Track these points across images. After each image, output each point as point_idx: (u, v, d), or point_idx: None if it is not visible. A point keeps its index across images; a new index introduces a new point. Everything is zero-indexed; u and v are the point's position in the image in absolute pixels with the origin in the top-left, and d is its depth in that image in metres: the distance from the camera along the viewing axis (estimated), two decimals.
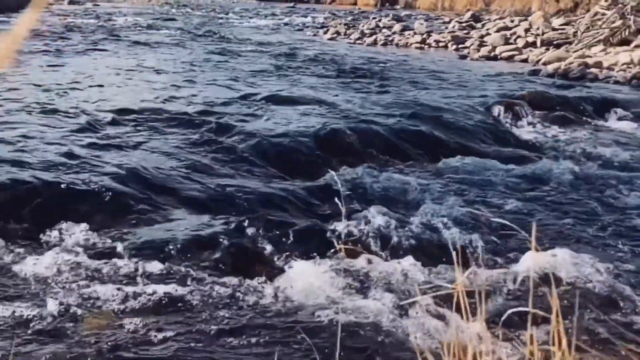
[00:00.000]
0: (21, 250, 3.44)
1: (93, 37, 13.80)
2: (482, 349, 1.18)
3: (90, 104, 6.81)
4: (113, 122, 5.98)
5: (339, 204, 1.77)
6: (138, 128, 5.90)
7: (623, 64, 11.02)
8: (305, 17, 24.00)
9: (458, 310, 1.23)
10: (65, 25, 16.08)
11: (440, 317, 2.23)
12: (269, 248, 3.50)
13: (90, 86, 7.95)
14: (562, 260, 3.27)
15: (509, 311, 1.42)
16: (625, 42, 12.48)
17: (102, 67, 9.65)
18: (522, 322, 2.11)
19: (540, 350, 1.23)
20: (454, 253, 1.31)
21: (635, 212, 4.32)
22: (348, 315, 2.77)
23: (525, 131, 7.00)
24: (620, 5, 13.56)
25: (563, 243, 3.66)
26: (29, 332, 2.67)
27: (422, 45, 15.17)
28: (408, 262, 3.29)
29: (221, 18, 21.99)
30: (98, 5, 25.26)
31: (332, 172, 3.97)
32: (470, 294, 1.27)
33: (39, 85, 7.70)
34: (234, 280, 3.15)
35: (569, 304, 2.63)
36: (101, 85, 8.04)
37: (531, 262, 2.37)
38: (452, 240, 3.55)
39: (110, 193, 4.11)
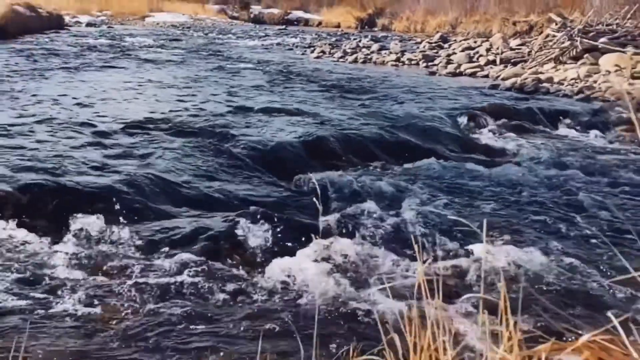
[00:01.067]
0: (43, 242, 3.45)
1: (107, 56, 13.72)
2: (438, 323, 1.19)
3: (103, 115, 6.79)
4: (124, 131, 5.98)
5: (317, 202, 1.77)
6: (146, 136, 5.90)
7: (571, 79, 11.11)
8: (295, 37, 23.95)
9: (419, 294, 1.25)
10: (83, 45, 15.97)
11: (404, 300, 2.25)
12: (260, 240, 3.52)
13: (104, 99, 7.92)
14: (510, 251, 3.30)
15: (465, 296, 1.45)
16: (573, 60, 12.58)
17: (114, 82, 9.61)
18: (475, 306, 2.16)
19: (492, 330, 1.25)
20: (416, 246, 1.33)
21: (576, 208, 4.36)
22: (325, 298, 2.80)
23: (485, 138, 7.04)
24: (568, 29, 13.64)
25: (513, 235, 3.69)
26: (46, 314, 2.66)
27: (397, 63, 15.19)
28: (377, 252, 3.31)
29: (221, 39, 21.91)
30: (112, 27, 25.11)
31: (312, 175, 3.98)
32: (430, 281, 1.29)
33: (58, 99, 7.66)
34: (228, 268, 3.17)
35: (516, 289, 2.65)
36: (114, 99, 8.02)
37: (483, 254, 2.39)
38: (415, 234, 3.57)
39: (121, 193, 4.12)
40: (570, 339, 1.16)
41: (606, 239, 3.67)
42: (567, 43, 13.04)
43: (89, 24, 25.36)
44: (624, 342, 1.07)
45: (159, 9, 34.61)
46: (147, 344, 2.46)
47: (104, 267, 3.18)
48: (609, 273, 3.22)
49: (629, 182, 5.10)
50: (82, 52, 14.07)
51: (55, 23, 21.72)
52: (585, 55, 12.45)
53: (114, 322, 2.63)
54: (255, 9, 40.03)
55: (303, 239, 3.47)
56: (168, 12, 34.07)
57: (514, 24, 20.00)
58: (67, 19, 24.73)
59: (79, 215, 3.73)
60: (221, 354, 2.27)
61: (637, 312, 2.64)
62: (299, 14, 38.59)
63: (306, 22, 36.65)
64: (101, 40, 18.19)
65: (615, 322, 1.08)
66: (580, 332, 1.18)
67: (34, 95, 7.82)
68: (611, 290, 2.98)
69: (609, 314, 1.08)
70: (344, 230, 3.65)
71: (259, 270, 3.20)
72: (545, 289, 3.01)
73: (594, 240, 3.65)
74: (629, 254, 3.39)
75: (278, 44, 20.99)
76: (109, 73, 10.85)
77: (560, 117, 8.00)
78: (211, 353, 2.35)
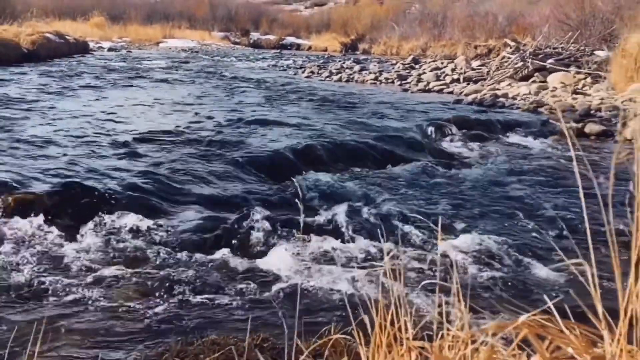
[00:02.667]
0: (68, 237, 3.43)
1: (126, 76, 13.65)
2: (399, 303, 1.19)
3: (121, 127, 6.76)
4: (139, 141, 5.95)
5: (298, 202, 1.76)
6: (158, 145, 5.88)
7: (523, 95, 11.16)
8: (288, 60, 23.91)
9: (384, 280, 1.25)
10: (104, 67, 15.87)
11: (372, 286, 2.25)
12: (254, 235, 3.50)
13: (123, 113, 7.88)
14: (464, 243, 3.31)
15: (423, 282, 1.46)
16: (525, 78, 12.65)
17: (132, 98, 9.56)
18: (432, 290, 2.16)
19: (446, 311, 1.25)
20: (382, 240, 1.33)
21: (522, 204, 4.37)
22: (306, 285, 2.79)
23: (450, 145, 7.06)
24: (521, 51, 13.72)
25: (467, 228, 3.70)
26: (65, 301, 2.64)
27: (375, 81, 15.20)
28: (352, 244, 3.31)
29: (224, 61, 21.85)
30: (131, 52, 24.96)
31: (300, 178, 3.97)
32: (395, 270, 1.29)
33: (83, 113, 7.63)
34: (226, 259, 3.16)
35: (468, 276, 2.66)
36: (131, 113, 7.99)
37: (439, 246, 2.40)
38: (384, 229, 3.56)
39: (135, 194, 4.11)
40: (512, 319, 1.16)
41: (544, 230, 3.69)
42: (520, 64, 13.13)
43: (110, 49, 25.20)
44: (555, 321, 1.07)
45: (171, 36, 34.45)
46: (150, 326, 2.45)
47: (119, 258, 3.16)
48: (547, 261, 3.21)
49: (565, 182, 5.12)
50: (104, 73, 13.98)
51: (81, 48, 21.57)
52: (536, 74, 12.53)
53: (125, 307, 2.61)
54: (254, 35, 39.95)
55: (289, 233, 3.46)
56: (179, 39, 33.92)
57: (475, 47, 20.08)
58: (91, 44, 24.56)
59: (99, 213, 3.72)
60: (215, 334, 2.25)
61: (571, 294, 2.63)
62: (292, 39, 38.55)
63: (298, 47, 36.60)
64: (121, 63, 18.08)
65: (550, 304, 1.08)
66: (521, 312, 1.18)
67: (62, 110, 7.77)
68: (549, 276, 2.99)
69: (545, 296, 1.09)
70: (324, 226, 3.64)
71: (254, 261, 3.18)
72: (492, 275, 3.01)
73: (534, 233, 3.65)
74: (566, 244, 3.40)
75: (274, 65, 20.95)
76: (128, 91, 10.80)
77: (514, 127, 8.03)
78: (208, 332, 2.34)
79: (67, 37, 20.54)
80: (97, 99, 9.21)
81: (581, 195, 1.10)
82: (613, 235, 1.00)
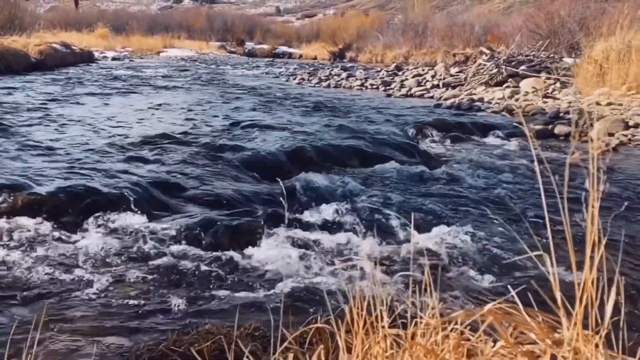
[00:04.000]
0: (70, 236, 3.41)
1: (128, 83, 13.56)
2: (375, 294, 1.19)
3: (123, 131, 6.72)
4: (140, 144, 5.92)
5: (283, 200, 1.76)
6: (158, 148, 5.84)
7: (498, 99, 11.22)
8: (280, 68, 23.87)
9: (362, 273, 1.25)
10: (108, 75, 15.77)
11: (351, 279, 2.25)
12: (244, 232, 3.49)
13: (125, 118, 7.83)
14: (437, 237, 3.31)
15: (398, 274, 1.46)
16: (499, 83, 12.71)
17: (134, 104, 9.51)
18: (406, 283, 2.17)
19: (420, 301, 1.25)
20: (361, 235, 1.33)
21: (496, 201, 4.39)
22: (290, 277, 2.79)
23: (430, 146, 7.08)
24: (495, 59, 13.78)
25: (441, 223, 3.69)
26: (67, 296, 2.62)
27: (362, 87, 15.21)
28: (333, 239, 3.30)
29: (220, 69, 21.77)
30: (133, 61, 24.79)
31: (289, 178, 3.95)
32: (374, 263, 1.29)
33: (87, 118, 7.58)
34: (219, 255, 3.14)
35: (439, 268, 2.67)
36: (132, 118, 7.94)
37: (412, 240, 2.40)
38: (363, 224, 3.56)
39: (135, 194, 4.07)
40: (480, 307, 1.17)
41: (512, 225, 3.70)
42: (495, 70, 13.18)
43: (114, 58, 25.01)
44: (519, 309, 1.07)
45: (171, 46, 34.25)
46: (148, 319, 2.43)
47: (119, 256, 3.14)
48: (513, 253, 3.20)
49: (533, 180, 5.15)
50: (108, 81, 13.89)
51: (86, 58, 21.41)
52: (509, 80, 12.59)
53: (124, 301, 2.59)
54: (249, 44, 39.84)
55: (278, 229, 3.45)
56: (178, 48, 33.72)
57: (454, 55, 20.14)
58: (96, 54, 24.38)
59: (101, 213, 3.69)
60: (210, 324, 2.24)
61: (534, 284, 2.63)
62: (284, 48, 38.46)
63: (290, 55, 36.53)
64: (124, 71, 17.96)
65: (513, 292, 1.09)
66: (489, 301, 1.18)
67: (67, 115, 7.71)
68: (514, 267, 2.99)
69: (509, 286, 1.10)
70: (309, 222, 3.63)
71: (246, 255, 3.17)
72: (463, 266, 3.01)
73: (501, 228, 3.64)
74: (531, 237, 3.42)
75: (267, 72, 20.90)
76: (130, 97, 10.73)
77: (488, 129, 8.05)
78: (204, 323, 2.33)
79: (73, 47, 20.37)
80: (101, 106, 9.15)
81: (542, 192, 1.11)
82: (568, 227, 1.01)
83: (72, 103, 9.23)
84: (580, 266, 1.02)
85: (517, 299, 1.08)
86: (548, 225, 1.10)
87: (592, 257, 1.00)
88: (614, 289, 1.02)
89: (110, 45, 30.56)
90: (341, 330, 1.18)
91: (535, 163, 1.11)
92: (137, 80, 14.44)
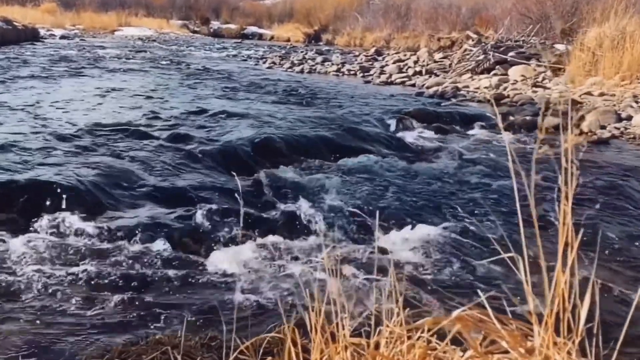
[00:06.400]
0: (9, 236, 3.32)
1: (78, 65, 13.30)
2: (336, 300, 1.19)
3: (70, 118, 6.59)
4: (89, 133, 5.82)
5: (239, 197, 1.75)
6: (110, 138, 5.75)
7: (484, 87, 11.35)
8: (249, 50, 23.71)
9: (323, 277, 1.25)
10: (55, 55, 15.42)
11: (311, 284, 2.25)
12: (198, 231, 3.46)
13: (72, 105, 7.68)
14: (404, 238, 3.34)
15: (362, 278, 1.47)
16: (486, 71, 12.86)
17: (83, 89, 9.32)
18: (370, 288, 2.18)
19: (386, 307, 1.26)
20: (325, 236, 1.33)
21: (473, 198, 4.44)
22: (246, 281, 2.78)
23: (410, 138, 7.12)
24: (483, 44, 13.96)
25: (410, 223, 3.72)
26: (7, 305, 2.56)
27: (338, 73, 15.22)
28: (294, 241, 3.30)
29: (182, 51, 21.51)
30: (84, 40, 24.29)
31: (249, 173, 3.93)
32: (332, 267, 1.29)
33: (29, 104, 7.41)
34: (172, 256, 3.12)
35: (406, 271, 2.70)
36: (81, 104, 7.80)
37: (376, 241, 2.41)
38: (327, 224, 3.57)
39: (83, 190, 4.01)
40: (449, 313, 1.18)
41: (486, 224, 3.75)
42: (482, 56, 13.34)
43: (62, 37, 24.48)
44: (489, 315, 1.09)
45: (127, 24, 33.71)
46: (92, 327, 2.39)
47: (62, 256, 3.08)
48: (486, 254, 3.23)
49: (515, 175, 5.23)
50: (55, 62, 13.59)
51: (30, 35, 20.91)
52: (497, 67, 12.76)
53: (65, 307, 2.54)
54: (215, 24, 39.44)
55: (235, 230, 3.43)
56: (135, 27, 33.22)
57: (439, 39, 20.31)
58: (42, 32, 23.84)
59: (43, 209, 3.62)
60: (157, 335, 2.22)
61: (507, 288, 2.66)
62: (254, 29, 38.22)
63: (260, 37, 36.33)
64: (73, 51, 17.59)
65: (483, 298, 1.10)
66: (459, 306, 1.19)
67: (6, 101, 7.51)
68: (489, 270, 3.03)
69: (479, 291, 1.11)
70: (271, 221, 3.62)
71: (200, 258, 3.15)
72: (432, 269, 3.04)
73: (473, 228, 3.70)
74: (506, 237, 3.47)
75: (234, 55, 20.74)
76: (80, 81, 10.52)
77: (473, 120, 8.14)
78: (154, 331, 2.30)
79: (15, 24, 19.87)
80: (46, 90, 8.95)
81: (515, 189, 1.13)
82: (536, 226, 1.03)
83: (12, 87, 9.00)
84: (552, 268, 1.03)
85: (486, 305, 1.10)
86: (521, 225, 1.12)
87: (564, 258, 1.02)
88: (588, 293, 1.04)
89: (58, 22, 29.93)
90: (297, 340, 1.18)
91: (510, 160, 1.13)
92: (88, 62, 14.17)
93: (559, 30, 14.18)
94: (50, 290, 2.68)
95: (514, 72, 12.13)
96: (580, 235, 1.02)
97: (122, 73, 12.21)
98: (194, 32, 37.34)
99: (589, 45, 10.68)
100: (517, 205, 1.11)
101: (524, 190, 1.14)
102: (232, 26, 38.65)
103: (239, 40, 32.51)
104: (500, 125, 1.15)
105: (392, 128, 7.52)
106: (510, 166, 1.12)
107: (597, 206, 4.20)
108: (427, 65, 14.77)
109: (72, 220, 3.53)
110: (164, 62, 15.64)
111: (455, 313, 1.09)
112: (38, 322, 2.42)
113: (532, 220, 1.09)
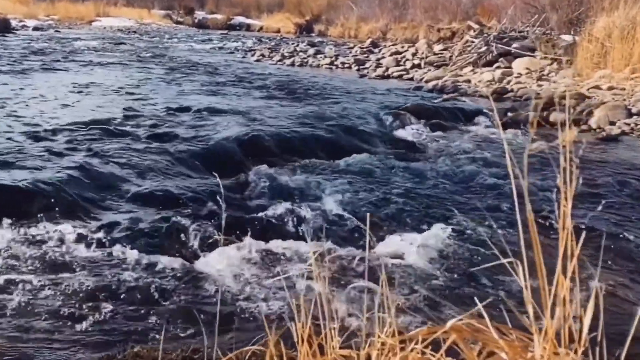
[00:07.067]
0: None
1: (53, 58, 13.24)
2: (325, 310, 1.19)
3: (44, 116, 6.56)
4: (65, 132, 5.79)
5: (220, 200, 1.75)
6: (89, 136, 5.73)
7: (487, 81, 11.37)
8: (237, 42, 23.67)
9: (311, 285, 1.25)
10: (28, 48, 15.34)
11: (298, 292, 2.25)
12: (180, 236, 3.46)
13: (46, 101, 7.65)
14: (397, 243, 3.34)
15: (351, 285, 1.47)
16: (489, 63, 12.89)
17: (57, 85, 9.28)
18: (361, 296, 2.19)
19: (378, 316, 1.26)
20: (314, 241, 1.33)
21: (473, 200, 4.45)
22: (230, 290, 2.78)
23: (407, 135, 7.13)
24: (485, 35, 14.00)
25: (404, 227, 3.73)
26: None
27: (331, 66, 15.22)
28: (282, 247, 3.30)
29: (166, 42, 21.45)
30: (59, 31, 24.19)
31: (237, 173, 3.93)
32: (321, 275, 1.29)
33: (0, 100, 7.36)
34: (153, 262, 3.11)
35: (397, 277, 2.70)
36: (56, 100, 7.76)
37: (367, 247, 2.42)
38: (317, 229, 3.57)
39: (60, 191, 4.00)
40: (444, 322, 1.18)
41: (487, 228, 3.75)
42: (484, 48, 13.37)
43: (36, 28, 24.37)
44: (487, 324, 1.09)
45: (105, 14, 33.60)
46: (67, 340, 2.38)
47: (37, 264, 3.06)
48: (485, 260, 3.23)
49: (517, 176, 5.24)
50: (28, 55, 13.52)
51: (1, 27, 20.79)
52: (500, 59, 12.79)
53: (40, 318, 2.53)
54: (200, 14, 39.37)
55: (217, 234, 3.43)
56: (115, 17, 33.14)
57: (438, 30, 20.36)
58: (13, 23, 23.70)
59: (18, 214, 3.60)
60: (135, 348, 2.21)
61: (506, 295, 2.65)
62: (241, 19, 38.15)
63: (248, 27, 36.27)
64: (48, 43, 17.51)
65: (480, 306, 1.10)
66: (455, 315, 1.20)
67: None
68: (485, 276, 3.04)
69: (476, 298, 1.11)
70: (256, 225, 3.62)
71: (184, 264, 3.14)
72: (426, 277, 3.05)
73: (471, 232, 3.70)
74: (504, 241, 3.47)
75: (220, 47, 20.71)
76: (55, 75, 10.47)
77: (475, 116, 8.16)
78: (132, 344, 2.29)
79: None
80: (17, 85, 8.90)
81: (514, 191, 1.13)
82: (534, 229, 1.03)
83: None
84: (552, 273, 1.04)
85: (484, 313, 1.10)
86: (520, 229, 1.12)
87: (564, 263, 1.02)
88: (592, 300, 1.04)
89: (31, 12, 29.78)
90: (283, 352, 1.18)
91: (507, 160, 1.13)
92: (64, 55, 14.11)
93: (554, 21, 14.21)
94: (22, 303, 2.66)
95: (518, 65, 12.16)
96: (582, 238, 1.02)
97: (100, 67, 12.17)
98: (178, 22, 37.26)
99: (598, 36, 10.72)
100: (516, 207, 1.11)
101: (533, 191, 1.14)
102: (218, 16, 38.57)
103: (226, 32, 32.41)
104: (498, 122, 1.15)
105: (388, 125, 7.51)
106: (509, 166, 1.13)
107: (606, 207, 4.22)
108: (426, 57, 14.79)
109: (45, 226, 3.52)
110: (145, 55, 15.60)
111: (450, 322, 1.09)
112: (4, 336, 2.40)
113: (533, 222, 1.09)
